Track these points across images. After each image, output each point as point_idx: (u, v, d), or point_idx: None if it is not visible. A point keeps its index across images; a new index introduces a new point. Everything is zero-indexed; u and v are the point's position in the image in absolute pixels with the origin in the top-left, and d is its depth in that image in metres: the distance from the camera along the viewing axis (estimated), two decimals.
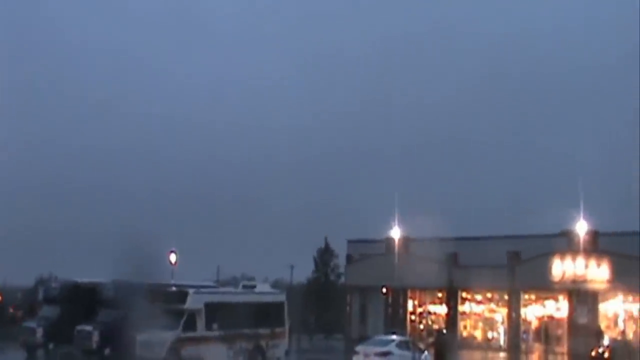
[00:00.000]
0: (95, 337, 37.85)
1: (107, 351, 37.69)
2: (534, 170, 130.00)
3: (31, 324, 40.44)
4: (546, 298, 59.47)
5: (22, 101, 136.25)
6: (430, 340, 41.56)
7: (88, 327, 38.03)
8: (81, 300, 39.22)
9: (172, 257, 63.14)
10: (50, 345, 39.24)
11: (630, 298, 55.89)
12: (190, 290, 38.60)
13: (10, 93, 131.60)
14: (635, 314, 56.15)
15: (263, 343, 39.92)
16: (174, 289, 39.91)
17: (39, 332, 39.59)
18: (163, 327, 37.05)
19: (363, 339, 42.15)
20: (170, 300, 38.41)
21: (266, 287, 45.44)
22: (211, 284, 49.86)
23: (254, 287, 43.29)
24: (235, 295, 41.36)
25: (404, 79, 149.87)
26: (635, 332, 55.29)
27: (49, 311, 40.83)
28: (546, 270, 57.25)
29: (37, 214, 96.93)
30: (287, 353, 42.15)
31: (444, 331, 52.45)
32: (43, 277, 48.03)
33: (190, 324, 37.41)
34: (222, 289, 43.99)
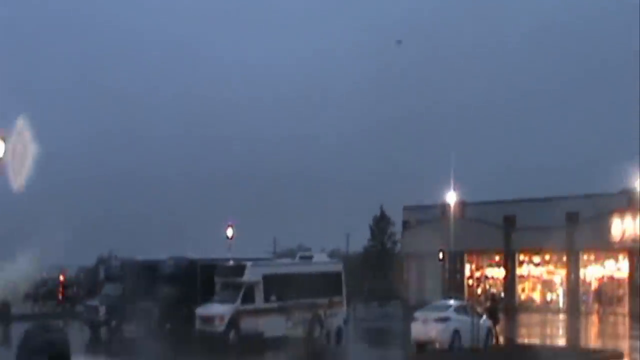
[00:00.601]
0: (155, 313, 38.52)
1: (167, 326, 38.39)
2: (592, 128, 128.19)
3: (94, 302, 41.25)
4: (606, 258, 58.84)
5: (85, 89, 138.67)
6: (488, 304, 41.39)
7: (148, 304, 38.74)
8: (142, 278, 39.87)
9: (229, 231, 63.95)
10: (113, 323, 40.03)
11: None
12: (248, 263, 38.95)
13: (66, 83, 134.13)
14: None
15: (321, 313, 40.09)
16: (231, 262, 40.35)
17: (102, 310, 40.39)
18: (222, 301, 37.62)
19: (421, 305, 42.09)
20: (228, 273, 38.93)
21: (323, 257, 45.62)
22: (268, 256, 50.28)
23: (311, 257, 43.54)
24: (292, 267, 41.66)
25: (457, 37, 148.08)
26: None
27: (111, 289, 41.60)
28: (606, 229, 56.60)
29: (98, 194, 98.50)
30: (345, 322, 42.32)
31: (502, 295, 52.39)
32: (104, 256, 49.04)
33: (249, 297, 37.78)
34: (279, 261, 44.39)
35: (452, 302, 38.86)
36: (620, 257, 57.56)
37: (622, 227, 56.38)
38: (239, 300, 37.43)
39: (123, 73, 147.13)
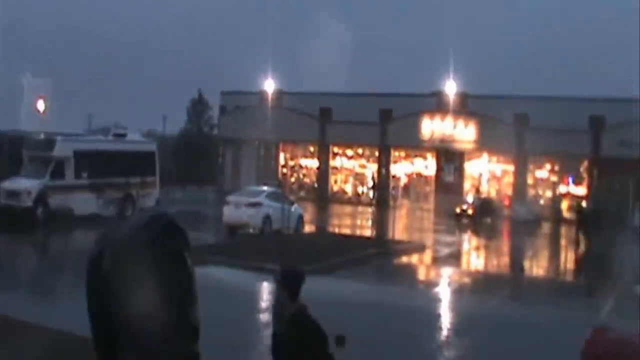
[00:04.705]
0: None
1: None
2: (410, 27, 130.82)
3: None
4: (415, 156, 60.85)
5: None
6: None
7: None
8: None
9: (40, 104, 60.90)
10: None
11: (495, 159, 57.97)
12: (58, 138, 37.69)
13: None
14: (498, 174, 58.43)
15: (133, 192, 39.65)
16: (42, 136, 38.89)
17: None
18: (30, 175, 36.33)
19: (235, 190, 42.28)
20: (37, 147, 37.53)
21: (137, 136, 44.73)
22: (81, 132, 48.71)
23: (124, 135, 42.55)
24: (105, 144, 40.57)
25: None
26: (497, 191, 57.65)
27: None
28: (416, 128, 58.39)
29: None
30: (157, 202, 41.96)
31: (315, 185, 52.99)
32: None
33: (59, 173, 36.70)
34: (91, 137, 42.99)
35: (264, 188, 39.29)
36: (429, 155, 59.67)
37: (431, 127, 58.33)
38: (47, 176, 36.28)
39: None
